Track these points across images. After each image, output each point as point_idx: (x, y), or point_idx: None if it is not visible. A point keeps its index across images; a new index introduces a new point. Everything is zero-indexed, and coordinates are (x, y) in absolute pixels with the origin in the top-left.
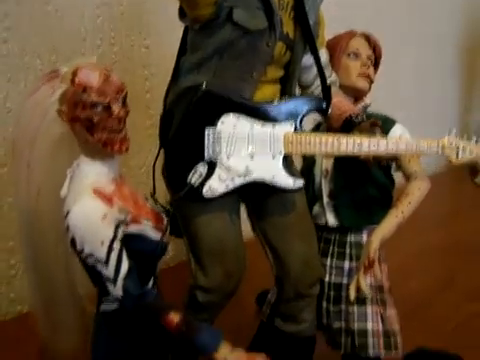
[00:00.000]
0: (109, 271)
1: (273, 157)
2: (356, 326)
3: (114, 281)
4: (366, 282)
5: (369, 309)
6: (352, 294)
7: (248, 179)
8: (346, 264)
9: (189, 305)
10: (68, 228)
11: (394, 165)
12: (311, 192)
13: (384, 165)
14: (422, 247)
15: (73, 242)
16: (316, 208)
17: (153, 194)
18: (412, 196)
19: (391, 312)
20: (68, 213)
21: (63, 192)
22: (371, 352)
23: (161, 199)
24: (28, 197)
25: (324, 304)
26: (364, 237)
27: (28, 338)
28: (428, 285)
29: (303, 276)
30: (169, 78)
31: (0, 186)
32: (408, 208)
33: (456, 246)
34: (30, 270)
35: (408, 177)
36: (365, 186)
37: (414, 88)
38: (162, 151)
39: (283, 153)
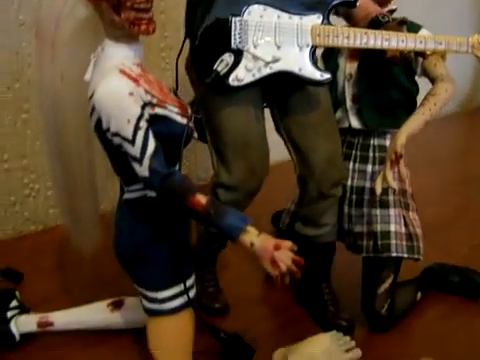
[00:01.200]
0: (135, 150)
1: (300, 49)
2: (379, 228)
3: (140, 160)
4: (392, 177)
5: (392, 212)
6: (378, 188)
7: (274, 69)
8: (369, 168)
9: None
10: (93, 109)
11: (419, 70)
12: (334, 97)
13: (411, 60)
14: (438, 180)
15: (99, 124)
16: (339, 113)
17: (176, 90)
18: (439, 96)
19: (414, 216)
20: (93, 93)
21: (87, 76)
22: (394, 253)
23: None
24: (52, 81)
25: (346, 209)
26: (388, 141)
27: (41, 254)
28: (444, 213)
29: (327, 174)
30: None
31: (14, 102)
32: (435, 107)
33: (471, 179)
34: (53, 160)
35: (434, 80)
36: (389, 90)
37: None
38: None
39: (310, 45)
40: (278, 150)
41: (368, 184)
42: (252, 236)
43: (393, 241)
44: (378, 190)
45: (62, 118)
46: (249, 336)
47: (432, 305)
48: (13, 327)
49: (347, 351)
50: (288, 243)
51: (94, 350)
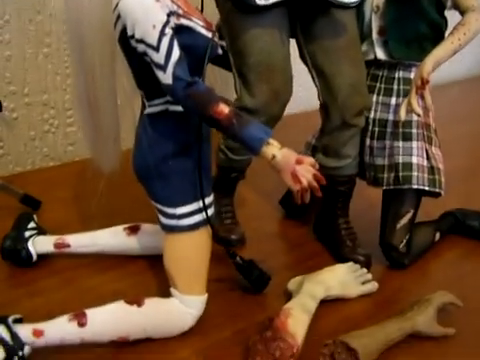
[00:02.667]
0: (160, 57)
1: None
2: (401, 160)
3: (165, 67)
4: (417, 104)
5: (415, 144)
6: (402, 114)
7: None
8: (393, 100)
9: None
10: (118, 17)
11: (449, 2)
12: (360, 30)
13: None
14: (462, 135)
15: (123, 33)
16: (364, 46)
17: (201, 11)
18: (469, 26)
19: (437, 151)
20: (119, 0)
21: None
22: (415, 184)
23: None
24: None
25: (368, 141)
26: (413, 74)
27: (59, 186)
28: (466, 164)
29: (350, 101)
30: None
31: (36, 36)
32: (464, 37)
33: None
34: (76, 73)
35: (464, 12)
36: (417, 23)
37: None
38: None
39: None
40: None
41: (391, 117)
42: (274, 148)
43: (415, 173)
44: (402, 115)
45: (87, 30)
46: (265, 267)
47: (450, 247)
48: (31, 246)
49: (363, 283)
50: (310, 159)
51: (107, 274)
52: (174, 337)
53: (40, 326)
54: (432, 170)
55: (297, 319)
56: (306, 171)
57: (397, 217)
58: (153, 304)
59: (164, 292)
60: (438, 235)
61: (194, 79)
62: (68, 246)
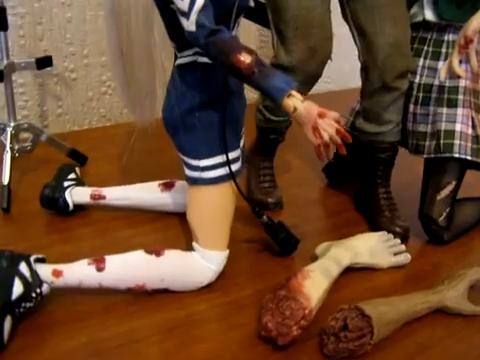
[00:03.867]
0: (184, 4)
1: None
2: (443, 127)
3: (188, 14)
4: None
5: (460, 111)
6: (443, 75)
7: None
8: (440, 64)
9: None
10: None
11: None
12: None
13: None
14: None
15: None
16: (414, 7)
17: None
18: None
19: None
20: None
21: None
22: (456, 153)
23: None
24: None
25: (411, 107)
26: None
27: (109, 144)
28: None
29: (390, 61)
30: None
31: None
32: None
33: None
34: (109, 23)
35: None
36: None
37: None
38: None
39: None
40: None
41: (437, 82)
42: (296, 100)
43: (457, 141)
44: (442, 76)
45: None
46: (299, 231)
47: None
48: (68, 196)
49: (396, 255)
50: (334, 113)
51: (138, 228)
52: (193, 291)
53: (60, 267)
54: (477, 139)
55: (315, 281)
56: (328, 125)
57: (438, 188)
58: (172, 255)
59: (191, 249)
60: None
61: (219, 27)
62: (103, 198)
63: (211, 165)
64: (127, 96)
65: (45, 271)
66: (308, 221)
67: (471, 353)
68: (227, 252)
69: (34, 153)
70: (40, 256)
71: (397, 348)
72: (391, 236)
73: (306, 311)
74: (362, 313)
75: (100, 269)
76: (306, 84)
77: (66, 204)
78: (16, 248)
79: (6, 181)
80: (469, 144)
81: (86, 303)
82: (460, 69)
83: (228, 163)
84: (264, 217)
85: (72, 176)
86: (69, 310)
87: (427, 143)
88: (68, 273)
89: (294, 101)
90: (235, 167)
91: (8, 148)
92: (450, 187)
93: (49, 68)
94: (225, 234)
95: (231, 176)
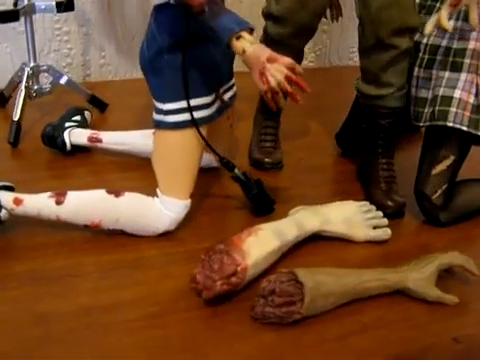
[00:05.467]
0: None
1: None
2: (441, 92)
3: None
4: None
5: (463, 76)
6: (428, 27)
7: None
8: (451, 23)
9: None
10: None
11: None
12: None
13: None
14: None
15: None
16: None
17: None
18: None
19: None
20: None
21: None
22: (450, 122)
23: None
24: None
25: (416, 70)
26: None
27: (134, 95)
28: None
29: (385, 14)
30: None
31: None
32: None
33: None
34: None
35: None
36: None
37: None
38: None
39: None
40: None
41: (444, 43)
42: (245, 42)
43: (453, 109)
44: (428, 29)
45: None
46: (285, 194)
47: None
48: (66, 136)
49: (375, 228)
50: (287, 59)
51: (129, 172)
52: (151, 237)
53: (22, 196)
54: (477, 109)
55: (261, 240)
56: (277, 71)
57: (433, 162)
58: (131, 197)
59: None
60: None
61: None
62: (100, 141)
63: (174, 109)
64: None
65: (7, 198)
66: (300, 186)
67: (421, 340)
68: (188, 201)
69: (56, 97)
70: (8, 184)
71: (337, 324)
72: (373, 208)
73: (238, 268)
74: (295, 279)
75: (59, 202)
76: (299, 37)
77: (64, 144)
78: (12, 179)
79: (17, 117)
80: (467, 113)
81: (46, 235)
82: (447, 23)
83: (189, 108)
84: (235, 171)
85: (77, 118)
86: (28, 239)
87: (426, 110)
88: (28, 202)
89: (243, 43)
90: (201, 114)
91: (23, 86)
92: (447, 162)
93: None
94: (187, 182)
95: (193, 122)
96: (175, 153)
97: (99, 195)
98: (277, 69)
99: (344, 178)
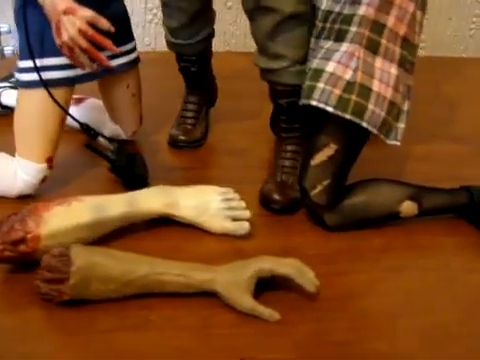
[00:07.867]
0: None
1: None
2: (314, 65)
3: None
4: None
5: (344, 47)
6: None
7: None
8: None
9: None
10: None
11: None
12: None
13: None
14: None
15: None
16: None
17: None
18: None
19: (386, 67)
20: None
21: None
22: (314, 101)
23: None
24: None
25: (312, 41)
26: None
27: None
28: None
29: None
30: None
31: None
32: None
33: None
34: None
35: None
36: None
37: None
38: None
39: None
40: None
41: (338, 8)
42: None
43: (321, 84)
44: None
45: None
46: (177, 174)
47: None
48: None
49: (234, 220)
50: (87, 10)
51: None
52: (8, 198)
53: None
54: (352, 87)
55: (71, 212)
56: (70, 24)
57: (312, 150)
58: None
59: None
60: (413, 207)
61: None
62: None
63: (25, 68)
64: None
65: None
66: (208, 168)
67: (204, 355)
68: (43, 165)
69: None
70: None
71: (113, 315)
72: (237, 197)
73: (28, 236)
74: (68, 255)
75: None
76: None
77: None
78: None
79: None
80: (337, 91)
81: None
82: None
83: (36, 68)
84: (100, 139)
85: (14, 79)
86: None
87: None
88: None
89: None
90: (54, 75)
91: None
92: (328, 151)
93: None
94: (43, 145)
95: (42, 82)
96: (30, 114)
97: None
98: (71, 22)
99: (261, 164)
